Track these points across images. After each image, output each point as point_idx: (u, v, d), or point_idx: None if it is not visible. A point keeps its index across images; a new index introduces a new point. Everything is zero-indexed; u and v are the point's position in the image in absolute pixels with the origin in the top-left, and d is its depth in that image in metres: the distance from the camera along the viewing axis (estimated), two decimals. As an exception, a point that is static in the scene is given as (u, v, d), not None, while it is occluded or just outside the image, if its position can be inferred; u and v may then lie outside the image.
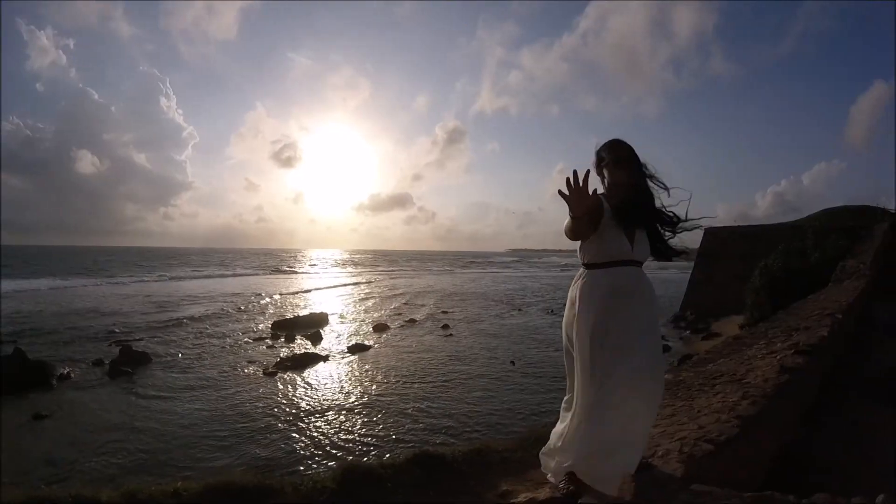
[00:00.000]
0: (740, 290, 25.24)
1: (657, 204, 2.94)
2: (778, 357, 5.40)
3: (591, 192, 2.56)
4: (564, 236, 2.76)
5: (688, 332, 29.20)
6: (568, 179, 2.47)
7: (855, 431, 5.11)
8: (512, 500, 2.93)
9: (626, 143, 2.92)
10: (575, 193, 2.49)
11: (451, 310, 37.58)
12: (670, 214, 2.96)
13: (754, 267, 24.65)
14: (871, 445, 4.84)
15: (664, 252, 2.98)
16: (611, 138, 2.95)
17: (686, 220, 2.98)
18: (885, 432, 5.25)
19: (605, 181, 2.93)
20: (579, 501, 2.74)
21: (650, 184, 2.93)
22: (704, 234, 35.36)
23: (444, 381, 18.04)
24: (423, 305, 40.36)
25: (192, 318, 30.70)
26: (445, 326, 29.72)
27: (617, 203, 2.81)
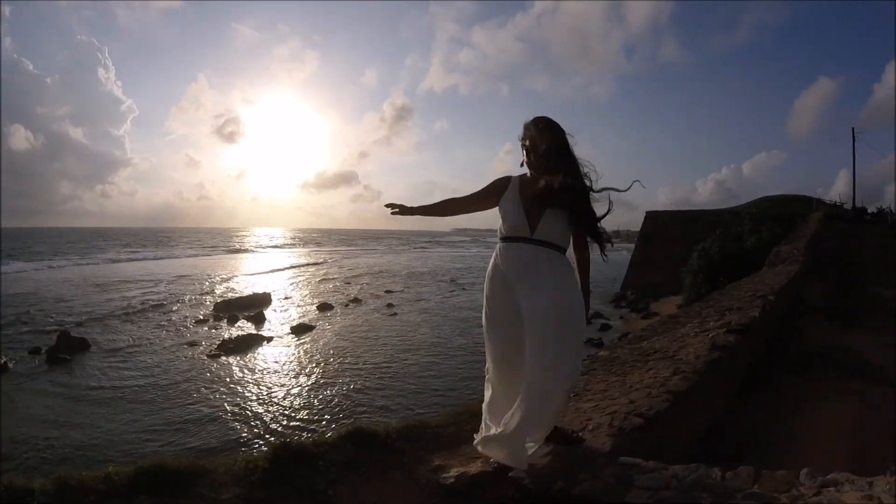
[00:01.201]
0: (679, 271, 25.90)
1: (577, 186, 2.89)
2: (710, 335, 5.54)
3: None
4: None
5: (628, 310, 29.89)
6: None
7: (783, 405, 5.29)
8: (444, 475, 2.94)
9: (543, 124, 2.91)
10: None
11: (396, 289, 37.59)
12: (580, 195, 2.90)
13: (693, 250, 25.31)
14: (796, 419, 5.02)
15: (590, 234, 2.98)
16: (536, 116, 2.95)
17: (595, 192, 2.95)
18: (810, 406, 5.46)
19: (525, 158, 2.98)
20: (509, 474, 2.76)
21: (572, 166, 2.90)
22: (645, 216, 36.17)
23: (386, 359, 18.10)
24: (368, 285, 40.24)
25: (131, 302, 29.72)
26: (390, 305, 29.76)
27: (522, 182, 2.97)
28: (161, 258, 68.30)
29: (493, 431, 2.89)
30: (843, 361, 7.06)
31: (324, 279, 44.80)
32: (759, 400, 5.38)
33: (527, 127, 2.94)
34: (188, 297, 32.47)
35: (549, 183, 2.83)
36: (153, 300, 30.66)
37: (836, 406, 5.55)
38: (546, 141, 2.86)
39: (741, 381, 5.59)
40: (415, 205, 2.99)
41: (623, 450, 2.91)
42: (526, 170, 2.98)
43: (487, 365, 3.03)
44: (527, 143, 2.92)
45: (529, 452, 2.85)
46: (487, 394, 3.04)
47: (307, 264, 64.01)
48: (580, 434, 3.10)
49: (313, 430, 11.80)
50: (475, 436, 3.04)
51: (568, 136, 2.92)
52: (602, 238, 2.99)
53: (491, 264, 2.98)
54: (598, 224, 2.97)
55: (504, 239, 2.93)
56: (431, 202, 3.03)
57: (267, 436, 11.66)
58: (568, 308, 2.84)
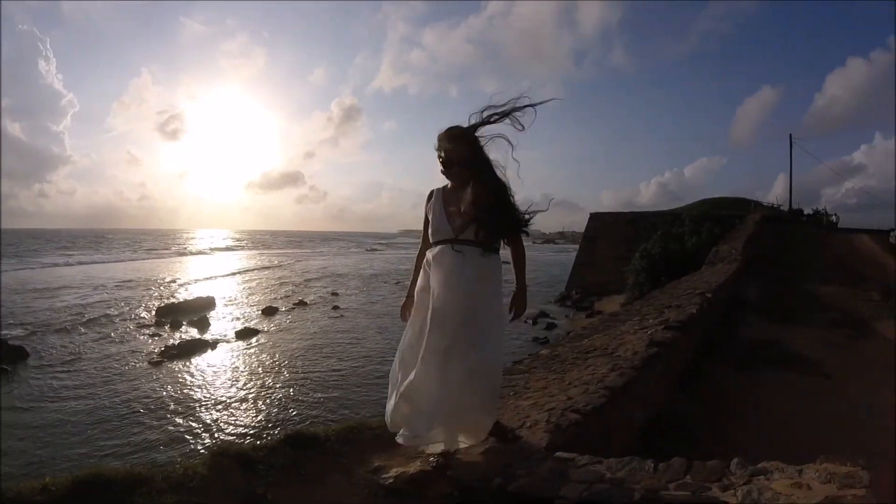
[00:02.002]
0: (622, 270, 26.40)
1: (490, 188, 2.95)
2: (649, 332, 5.66)
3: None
4: None
5: (573, 309, 30.29)
6: None
7: (720, 398, 5.46)
8: (383, 475, 2.95)
9: (454, 135, 2.97)
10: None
11: (342, 291, 37.24)
12: (492, 203, 2.95)
13: (636, 250, 25.82)
14: (733, 410, 5.17)
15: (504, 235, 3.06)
16: (448, 126, 3.01)
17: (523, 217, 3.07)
18: (746, 398, 5.64)
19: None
20: (448, 472, 2.78)
21: (485, 178, 2.97)
22: (590, 217, 36.73)
23: (331, 362, 17.94)
24: (314, 287, 39.72)
25: (71, 308, 28.45)
26: (336, 308, 29.47)
27: (445, 191, 3.08)
28: (101, 262, 65.99)
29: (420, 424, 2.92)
30: (778, 355, 7.33)
31: (269, 282, 44.06)
32: (697, 393, 5.53)
33: (440, 139, 2.99)
34: (129, 302, 31.38)
35: (467, 197, 2.91)
36: (93, 306, 29.46)
37: (772, 397, 5.75)
38: (458, 154, 2.94)
39: (679, 375, 5.73)
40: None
41: (560, 445, 2.97)
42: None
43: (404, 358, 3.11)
44: (441, 155, 2.99)
45: (468, 446, 2.98)
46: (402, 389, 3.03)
47: (253, 268, 62.93)
48: (517, 431, 3.15)
49: (255, 436, 11.61)
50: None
51: (485, 140, 2.99)
52: (520, 239, 3.10)
53: (419, 267, 3.15)
54: (519, 225, 3.05)
55: (433, 245, 3.03)
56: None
57: (207, 442, 11.41)
58: (491, 306, 2.97)
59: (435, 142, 3.02)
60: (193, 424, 12.54)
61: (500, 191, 2.96)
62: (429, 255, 3.03)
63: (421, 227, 3.16)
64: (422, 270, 3.09)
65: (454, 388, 2.83)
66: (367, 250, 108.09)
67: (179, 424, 12.50)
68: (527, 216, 3.05)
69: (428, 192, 3.18)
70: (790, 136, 42.44)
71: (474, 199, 2.88)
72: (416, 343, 2.98)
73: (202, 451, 10.69)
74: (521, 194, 3.11)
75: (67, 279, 42.80)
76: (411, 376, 2.91)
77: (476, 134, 2.98)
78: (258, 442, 3.60)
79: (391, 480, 2.89)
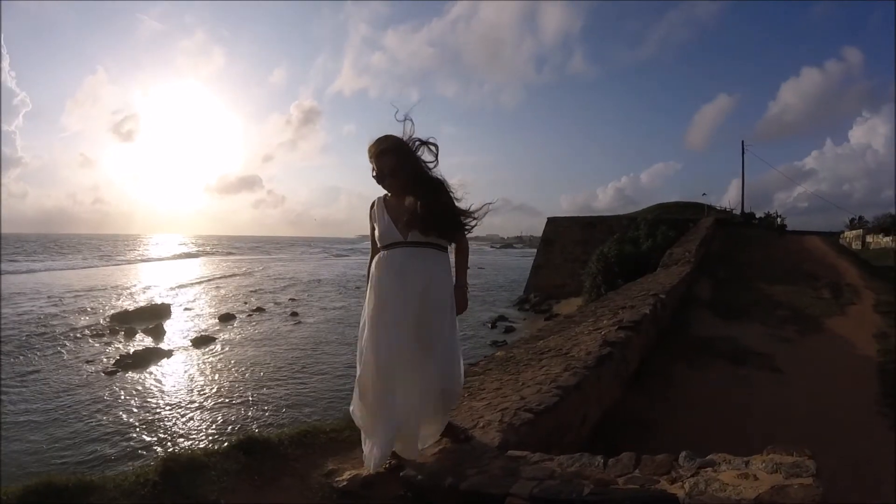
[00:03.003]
0: (579, 273, 26.73)
1: (427, 198, 3.00)
2: (602, 333, 5.75)
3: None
4: None
5: (532, 312, 30.50)
6: None
7: (673, 394, 5.57)
8: (337, 479, 2.96)
9: (382, 148, 3.01)
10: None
11: (300, 297, 36.91)
12: (430, 210, 3.00)
13: (592, 253, 26.18)
14: (685, 406, 5.28)
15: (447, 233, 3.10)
16: (377, 138, 3.04)
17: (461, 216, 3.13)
18: (696, 390, 5.77)
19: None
20: (401, 474, 2.80)
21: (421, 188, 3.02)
22: (547, 222, 37.08)
23: (288, 368, 17.84)
24: (272, 293, 39.32)
25: (22, 317, 27.65)
26: (294, 314, 29.22)
27: (386, 200, 3.13)
28: (54, 269, 64.22)
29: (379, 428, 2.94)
30: (729, 350, 7.50)
31: (226, 288, 43.46)
32: (650, 389, 5.63)
33: (370, 152, 3.03)
34: (82, 310, 30.57)
35: (408, 208, 2.97)
36: (45, 314, 28.49)
37: (724, 391, 5.89)
38: (388, 167, 2.99)
39: (633, 373, 5.82)
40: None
41: (513, 444, 3.01)
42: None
43: (363, 367, 3.02)
44: (373, 166, 3.03)
45: (422, 447, 2.99)
46: (366, 395, 3.02)
47: (210, 274, 61.98)
48: (469, 432, 3.18)
49: (209, 442, 11.50)
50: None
51: (415, 144, 3.04)
52: (463, 236, 3.17)
53: (371, 272, 3.09)
54: (461, 225, 3.12)
55: (381, 248, 3.05)
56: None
57: (160, 450, 11.26)
58: (440, 305, 3.00)
59: (366, 154, 3.05)
60: (145, 432, 12.36)
61: (437, 193, 3.01)
62: (379, 257, 3.04)
63: None
64: (373, 273, 3.07)
65: (414, 395, 2.89)
66: (320, 255, 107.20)
67: (130, 432, 12.31)
68: (470, 218, 3.11)
69: (370, 203, 3.20)
70: (742, 142, 43.46)
71: (412, 209, 2.94)
72: (374, 345, 2.96)
73: (155, 458, 10.55)
74: (479, 198, 3.16)
75: (19, 287, 41.51)
76: (372, 382, 2.93)
77: (405, 140, 3.02)
78: (210, 448, 3.57)
79: (345, 483, 2.91)
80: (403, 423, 2.89)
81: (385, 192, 3.11)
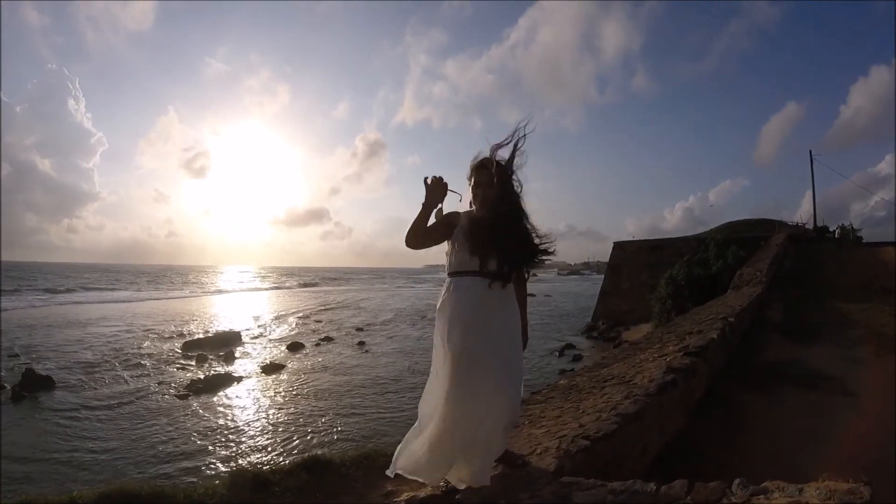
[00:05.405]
0: (648, 298, 26.22)
1: (524, 223, 3.04)
2: (668, 360, 5.65)
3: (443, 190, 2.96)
4: None
5: (601, 340, 30.04)
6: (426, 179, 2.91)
7: (739, 421, 5.40)
8: (394, 499, 3.00)
9: (488, 164, 3.01)
10: (434, 185, 2.94)
11: (368, 327, 37.24)
12: (527, 238, 3.05)
13: (660, 277, 25.67)
14: (748, 429, 5.13)
15: (523, 265, 3.11)
16: (480, 157, 3.05)
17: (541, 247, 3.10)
18: (762, 416, 5.58)
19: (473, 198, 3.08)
20: (456, 497, 2.82)
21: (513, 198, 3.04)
22: (613, 246, 36.57)
23: (353, 397, 18.06)
24: (340, 322, 39.86)
25: (99, 340, 29.07)
26: (361, 343, 29.49)
27: (469, 223, 3.01)
28: (130, 300, 66.78)
29: (443, 454, 2.90)
30: (798, 374, 7.23)
31: (295, 317, 44.30)
32: (715, 416, 5.49)
33: (472, 167, 3.05)
34: (157, 336, 31.76)
35: (489, 223, 2.95)
36: (122, 339, 29.90)
37: (790, 416, 5.69)
38: (484, 182, 3.00)
39: (698, 401, 5.69)
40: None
41: (568, 471, 3.00)
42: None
43: (438, 395, 2.96)
44: (472, 182, 3.05)
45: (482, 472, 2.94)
46: (435, 423, 2.94)
47: (278, 300, 63.41)
48: (525, 458, 3.18)
49: (273, 461, 11.80)
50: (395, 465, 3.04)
51: (511, 168, 3.03)
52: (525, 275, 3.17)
53: (442, 299, 3.01)
54: (538, 254, 3.09)
55: (453, 274, 3.00)
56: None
57: (228, 467, 11.61)
58: (515, 337, 3.01)
59: (467, 171, 3.08)
60: (215, 451, 12.75)
61: (521, 223, 3.03)
62: (456, 283, 2.98)
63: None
64: (450, 300, 2.99)
65: (483, 427, 2.86)
66: (387, 286, 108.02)
67: (202, 452, 12.75)
68: (547, 246, 3.10)
69: (457, 210, 3.09)
70: (810, 152, 42.06)
71: (499, 239, 2.94)
72: (445, 382, 2.92)
73: (223, 474, 10.84)
74: (546, 225, 3.14)
75: (98, 312, 43.43)
76: (440, 419, 2.89)
77: (503, 164, 3.02)
78: (275, 466, 3.68)
79: (402, 504, 2.94)
80: (476, 451, 2.87)
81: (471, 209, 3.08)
